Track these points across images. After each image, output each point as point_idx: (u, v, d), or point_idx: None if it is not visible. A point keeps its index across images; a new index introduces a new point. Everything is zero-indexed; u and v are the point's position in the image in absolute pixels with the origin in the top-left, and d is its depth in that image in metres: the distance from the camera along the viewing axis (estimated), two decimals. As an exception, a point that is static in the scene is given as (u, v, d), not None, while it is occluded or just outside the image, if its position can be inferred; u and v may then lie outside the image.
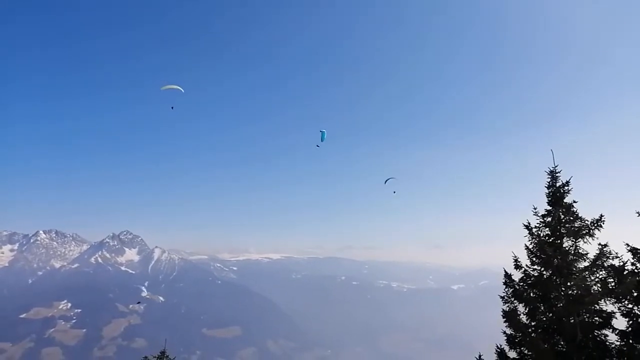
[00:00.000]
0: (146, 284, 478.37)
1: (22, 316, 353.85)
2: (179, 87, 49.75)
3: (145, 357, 21.31)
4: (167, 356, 21.51)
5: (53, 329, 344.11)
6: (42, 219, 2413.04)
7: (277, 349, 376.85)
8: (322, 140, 56.32)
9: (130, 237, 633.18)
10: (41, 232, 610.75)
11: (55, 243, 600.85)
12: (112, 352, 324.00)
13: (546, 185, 17.69)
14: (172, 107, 51.70)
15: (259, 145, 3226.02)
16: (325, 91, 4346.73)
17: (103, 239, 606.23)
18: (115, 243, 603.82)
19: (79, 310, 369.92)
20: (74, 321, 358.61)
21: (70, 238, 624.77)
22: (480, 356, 16.87)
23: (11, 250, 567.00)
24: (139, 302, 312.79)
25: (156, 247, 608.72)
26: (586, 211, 16.86)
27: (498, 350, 16.68)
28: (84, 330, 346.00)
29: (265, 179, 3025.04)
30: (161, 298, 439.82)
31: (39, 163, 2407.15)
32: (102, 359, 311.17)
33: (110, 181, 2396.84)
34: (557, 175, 17.54)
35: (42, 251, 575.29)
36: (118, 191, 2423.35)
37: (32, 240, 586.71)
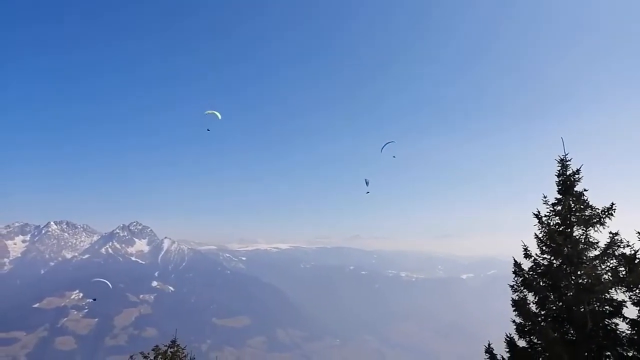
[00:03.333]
0: (156, 274, 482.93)
1: (35, 306, 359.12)
2: (217, 114, 53.41)
3: (157, 346, 21.52)
4: (178, 345, 21.71)
5: (66, 319, 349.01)
6: (52, 211, 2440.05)
7: (286, 338, 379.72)
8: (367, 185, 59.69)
9: (139, 227, 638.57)
10: (52, 223, 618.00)
11: (66, 234, 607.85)
12: (124, 341, 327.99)
13: (556, 174, 17.49)
14: (208, 130, 55.05)
15: (267, 136, 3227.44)
16: (330, 78, 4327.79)
17: (113, 230, 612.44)
18: (125, 234, 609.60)
19: (91, 300, 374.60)
20: (85, 311, 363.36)
21: (81, 229, 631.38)
22: (489, 345, 16.88)
23: (23, 242, 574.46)
24: (94, 299, 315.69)
25: (165, 237, 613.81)
26: (597, 199, 16.68)
27: (507, 339, 16.66)
28: (96, 319, 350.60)
29: (274, 170, 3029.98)
30: (171, 288, 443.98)
31: (50, 154, 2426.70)
32: (114, 348, 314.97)
33: (119, 172, 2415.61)
34: (567, 163, 17.32)
35: (54, 242, 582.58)
36: (127, 182, 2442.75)
37: (43, 232, 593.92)
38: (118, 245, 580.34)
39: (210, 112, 53.03)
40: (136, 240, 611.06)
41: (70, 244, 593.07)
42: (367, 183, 60.13)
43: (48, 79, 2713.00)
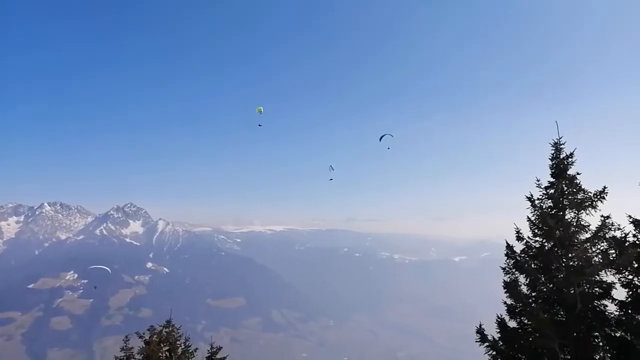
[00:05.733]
0: (151, 255, 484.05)
1: (30, 286, 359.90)
2: (261, 110, 54.78)
3: (152, 326, 21.64)
4: (173, 325, 21.84)
5: (61, 299, 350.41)
6: (46, 191, 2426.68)
7: (281, 318, 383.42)
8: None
9: (134, 209, 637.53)
10: (46, 204, 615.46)
11: (60, 215, 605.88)
12: (119, 322, 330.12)
13: (550, 157, 17.50)
14: (260, 125, 56.39)
15: (260, 117, 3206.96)
16: (322, 56, 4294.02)
17: (107, 211, 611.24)
18: (120, 215, 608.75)
19: (86, 281, 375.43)
20: (80, 291, 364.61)
21: (75, 210, 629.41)
22: (480, 325, 17.10)
23: (17, 222, 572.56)
24: (95, 287, 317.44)
25: (160, 219, 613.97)
26: (589, 183, 16.76)
27: (498, 320, 16.88)
28: (91, 300, 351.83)
29: (269, 152, 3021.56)
30: (166, 269, 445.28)
31: (43, 135, 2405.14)
32: (109, 328, 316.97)
33: (113, 153, 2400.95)
34: (561, 147, 17.32)
35: (48, 223, 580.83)
36: (121, 163, 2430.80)
37: (37, 213, 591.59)
38: (112, 227, 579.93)
39: (259, 109, 54.31)
40: (130, 221, 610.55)
41: (64, 225, 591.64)
42: (331, 169, 60.49)
43: (39, 54, 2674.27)
